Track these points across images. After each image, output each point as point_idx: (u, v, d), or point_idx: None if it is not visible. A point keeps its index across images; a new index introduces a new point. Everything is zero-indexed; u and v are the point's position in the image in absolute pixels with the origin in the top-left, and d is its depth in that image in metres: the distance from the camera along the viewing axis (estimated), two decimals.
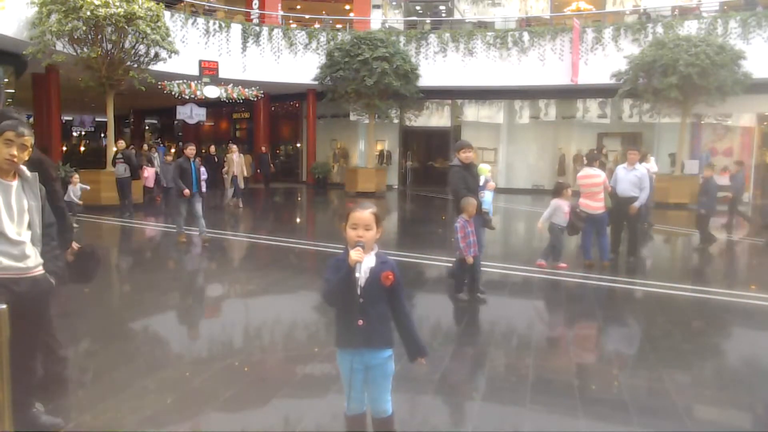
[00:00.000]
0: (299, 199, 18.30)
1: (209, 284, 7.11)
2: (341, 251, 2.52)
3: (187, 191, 8.69)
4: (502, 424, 3.40)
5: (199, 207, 8.94)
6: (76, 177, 11.41)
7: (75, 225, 10.46)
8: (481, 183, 6.32)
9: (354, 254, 2.37)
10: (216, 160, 15.45)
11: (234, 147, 14.80)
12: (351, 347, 2.50)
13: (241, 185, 14.34)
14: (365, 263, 2.43)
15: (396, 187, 21.21)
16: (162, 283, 6.89)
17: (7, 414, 2.57)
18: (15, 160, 2.80)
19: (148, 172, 15.91)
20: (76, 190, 11.12)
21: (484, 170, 6.34)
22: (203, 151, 19.34)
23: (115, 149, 14.03)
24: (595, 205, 7.42)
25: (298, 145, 23.56)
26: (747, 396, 3.86)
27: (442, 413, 3.50)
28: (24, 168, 2.91)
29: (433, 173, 22.17)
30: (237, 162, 14.18)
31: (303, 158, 22.40)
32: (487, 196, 6.26)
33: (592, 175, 7.45)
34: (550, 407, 3.67)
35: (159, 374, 3.94)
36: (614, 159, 17.97)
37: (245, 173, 15.15)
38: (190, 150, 9.06)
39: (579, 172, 8.01)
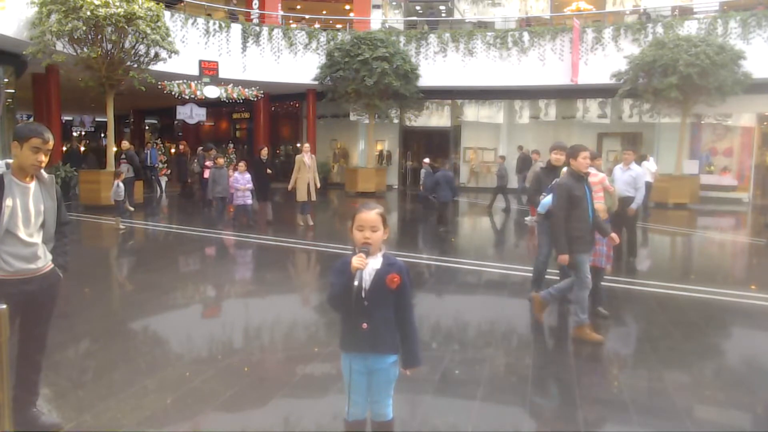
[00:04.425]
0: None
1: None
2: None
3: (564, 258, 4.77)
4: (502, 424, 3.40)
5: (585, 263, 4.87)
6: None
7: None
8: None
9: (355, 261, 2.31)
10: (269, 171, 12.08)
11: (306, 146, 11.77)
12: (355, 351, 2.44)
13: (313, 196, 11.16)
14: (371, 265, 2.37)
15: (396, 187, 21.21)
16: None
17: (7, 414, 2.57)
18: (42, 165, 2.91)
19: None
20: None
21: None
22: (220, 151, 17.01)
23: (115, 149, 14.05)
24: (597, 204, 7.42)
25: (298, 145, 23.56)
26: (747, 396, 3.86)
27: (442, 413, 3.50)
28: (42, 170, 2.97)
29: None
30: (309, 165, 11.22)
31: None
32: (546, 200, 5.74)
33: (591, 174, 7.47)
34: (550, 407, 3.67)
35: (164, 373, 3.94)
36: (614, 159, 17.96)
37: (316, 181, 11.38)
38: (585, 159, 5.01)
39: None
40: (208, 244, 9.69)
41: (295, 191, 11.20)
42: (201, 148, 15.65)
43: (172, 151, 23.86)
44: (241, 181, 10.90)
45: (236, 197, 10.88)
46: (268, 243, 9.54)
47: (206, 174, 13.66)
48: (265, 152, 12.27)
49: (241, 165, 11.18)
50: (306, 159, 11.21)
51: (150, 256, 8.96)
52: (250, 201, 11.08)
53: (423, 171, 14.40)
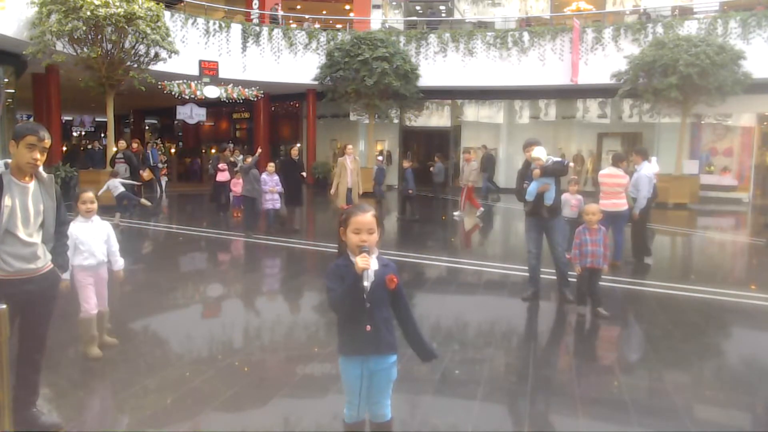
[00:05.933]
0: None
1: None
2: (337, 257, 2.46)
3: None
4: (502, 424, 3.40)
5: None
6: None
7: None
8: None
9: (361, 262, 2.29)
10: (303, 175, 11.07)
11: (350, 147, 10.83)
12: (359, 354, 2.43)
13: (356, 201, 10.14)
14: (371, 266, 2.36)
15: (396, 187, 21.20)
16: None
17: (7, 414, 2.57)
18: (37, 163, 2.89)
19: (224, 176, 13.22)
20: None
21: (534, 157, 5.57)
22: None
23: (115, 149, 14.03)
24: (619, 202, 7.47)
25: (298, 145, 23.55)
26: (747, 396, 3.86)
27: (442, 413, 3.50)
28: (41, 170, 2.96)
29: (433, 173, 22.13)
30: (352, 169, 10.42)
31: (303, 158, 22.40)
32: (532, 186, 5.63)
33: (616, 175, 7.50)
34: (550, 407, 3.67)
35: (166, 373, 3.94)
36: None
37: (359, 186, 10.67)
38: None
39: (601, 170, 8.02)
40: (210, 244, 9.68)
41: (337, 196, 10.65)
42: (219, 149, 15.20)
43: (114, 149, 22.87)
44: (270, 183, 10.09)
45: (264, 200, 10.15)
46: (272, 244, 9.53)
47: (219, 177, 13.56)
48: (296, 151, 11.12)
49: (270, 166, 10.38)
50: (348, 162, 10.44)
51: (150, 255, 8.96)
52: (278, 205, 10.26)
53: (375, 168, 15.16)
